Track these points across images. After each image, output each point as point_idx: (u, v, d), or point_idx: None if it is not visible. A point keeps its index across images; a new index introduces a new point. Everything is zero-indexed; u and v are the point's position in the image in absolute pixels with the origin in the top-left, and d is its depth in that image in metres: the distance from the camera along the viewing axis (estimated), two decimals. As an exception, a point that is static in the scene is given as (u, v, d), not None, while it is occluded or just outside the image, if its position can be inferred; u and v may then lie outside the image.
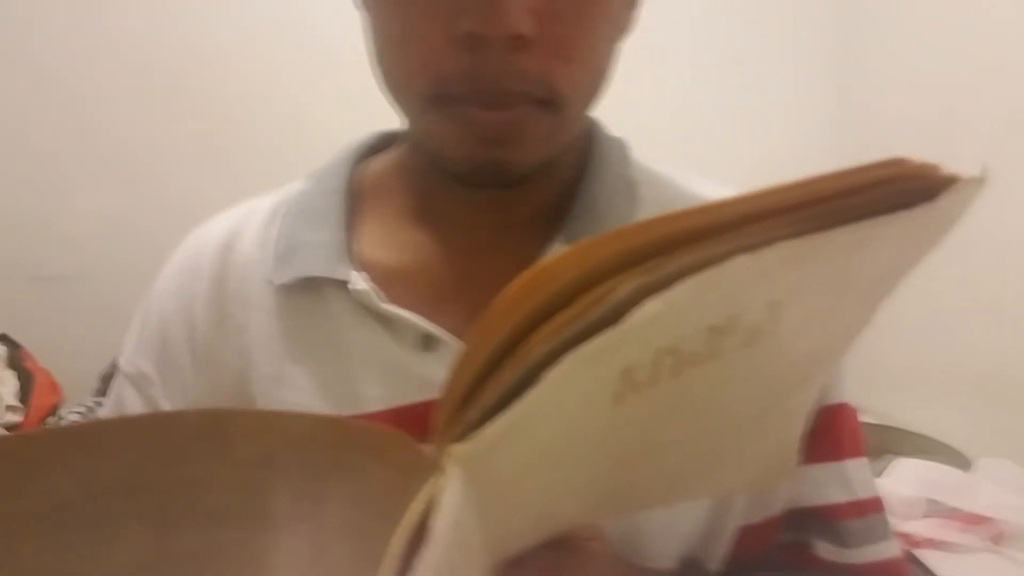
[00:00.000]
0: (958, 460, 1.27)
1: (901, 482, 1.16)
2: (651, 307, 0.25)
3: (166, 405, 0.51)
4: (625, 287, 0.25)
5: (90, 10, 1.69)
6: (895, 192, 0.26)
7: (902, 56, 1.62)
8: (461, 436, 0.28)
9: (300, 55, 1.64)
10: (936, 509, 1.12)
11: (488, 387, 0.27)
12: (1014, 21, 1.29)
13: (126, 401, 0.52)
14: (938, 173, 0.26)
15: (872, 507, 0.53)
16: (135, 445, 0.31)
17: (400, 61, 0.43)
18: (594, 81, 0.45)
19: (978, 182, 0.27)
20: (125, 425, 0.32)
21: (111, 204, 1.72)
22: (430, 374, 0.46)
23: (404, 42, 0.42)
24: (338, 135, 0.57)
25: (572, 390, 0.27)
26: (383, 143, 0.57)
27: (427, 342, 0.47)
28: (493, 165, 0.43)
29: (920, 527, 1.09)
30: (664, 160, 0.56)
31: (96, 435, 0.31)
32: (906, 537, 1.08)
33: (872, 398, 1.48)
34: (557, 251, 0.48)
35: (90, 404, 1.52)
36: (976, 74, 1.38)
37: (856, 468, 0.52)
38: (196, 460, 0.31)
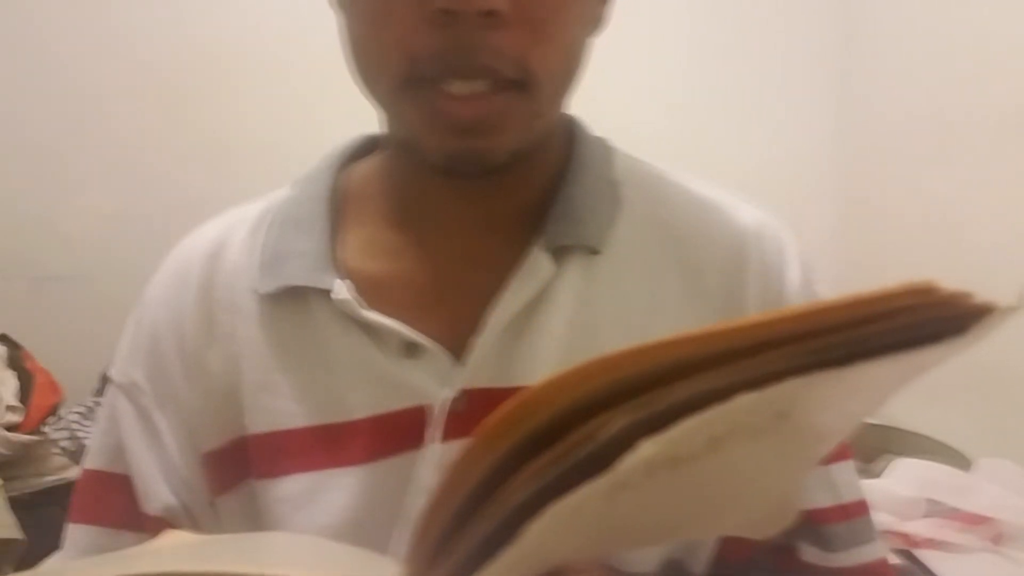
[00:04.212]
0: (958, 460, 1.27)
1: (901, 482, 1.16)
2: (646, 450, 0.22)
3: (158, 414, 0.51)
4: (616, 423, 0.23)
5: (91, 7, 1.69)
6: (919, 321, 0.23)
7: (902, 56, 1.61)
8: None
9: (303, 54, 1.64)
10: (936, 509, 1.12)
11: (463, 537, 0.25)
12: (1013, 21, 1.29)
13: (119, 411, 0.52)
14: (970, 302, 0.23)
15: (857, 510, 0.53)
16: None
17: (375, 43, 0.43)
18: (566, 66, 0.45)
19: (1013, 309, 0.24)
20: None
21: (112, 203, 1.72)
22: (413, 381, 0.47)
23: (379, 23, 0.42)
24: (340, 134, 0.57)
25: (556, 527, 0.24)
26: (368, 147, 0.56)
27: (410, 349, 0.47)
28: (470, 154, 0.43)
29: (920, 527, 1.09)
30: (662, 160, 0.56)
31: None
32: (906, 537, 1.07)
33: (872, 398, 1.48)
34: (538, 256, 0.48)
35: (90, 404, 1.52)
36: (976, 74, 1.38)
37: (841, 472, 0.52)
38: None
